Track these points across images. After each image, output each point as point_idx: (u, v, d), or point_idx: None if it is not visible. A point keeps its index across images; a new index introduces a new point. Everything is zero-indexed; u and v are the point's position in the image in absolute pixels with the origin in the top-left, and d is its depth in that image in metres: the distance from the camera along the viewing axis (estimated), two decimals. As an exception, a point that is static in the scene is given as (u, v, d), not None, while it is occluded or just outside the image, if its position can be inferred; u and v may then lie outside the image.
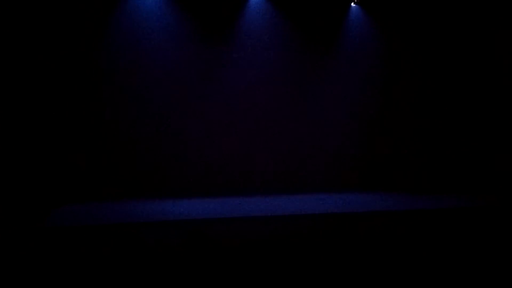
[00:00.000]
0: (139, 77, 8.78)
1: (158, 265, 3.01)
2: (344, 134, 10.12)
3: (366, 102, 10.25)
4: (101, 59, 8.50)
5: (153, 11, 8.89)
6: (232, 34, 9.43)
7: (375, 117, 10.28)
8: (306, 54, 9.90)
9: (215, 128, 9.33)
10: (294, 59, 9.85)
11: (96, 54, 8.45)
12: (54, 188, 7.80)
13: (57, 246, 4.77)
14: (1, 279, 3.19)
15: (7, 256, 4.04)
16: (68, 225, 5.94)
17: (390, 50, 10.33)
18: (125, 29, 8.67)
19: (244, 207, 7.39)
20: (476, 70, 10.06)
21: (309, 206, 7.56)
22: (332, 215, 6.87)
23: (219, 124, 9.35)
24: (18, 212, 6.52)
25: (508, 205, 7.71)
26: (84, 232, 5.51)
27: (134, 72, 8.72)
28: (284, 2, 9.65)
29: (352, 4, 10.22)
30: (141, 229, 5.22)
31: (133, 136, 8.74)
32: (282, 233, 5.49)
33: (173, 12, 9.03)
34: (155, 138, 8.88)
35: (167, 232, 5.44)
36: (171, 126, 8.99)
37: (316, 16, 9.87)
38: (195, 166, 9.12)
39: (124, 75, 8.67)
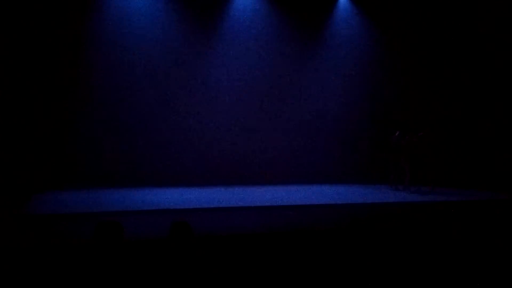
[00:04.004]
0: (124, 72, 8.65)
1: (139, 256, 2.92)
2: (333, 126, 10.18)
3: (355, 93, 10.32)
4: (85, 55, 8.34)
5: (139, 5, 8.70)
6: (221, 25, 9.33)
7: (365, 109, 10.37)
8: (295, 46, 9.88)
9: (201, 120, 9.24)
10: (283, 50, 9.82)
11: (80, 50, 8.29)
12: (35, 174, 7.56)
13: (33, 234, 4.60)
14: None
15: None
16: (45, 213, 5.75)
17: (378, 42, 10.39)
18: (109, 25, 8.52)
19: (228, 197, 7.32)
20: (462, 63, 10.15)
21: (294, 197, 7.55)
22: (318, 206, 6.87)
23: (204, 116, 9.27)
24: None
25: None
26: (61, 221, 5.33)
27: (119, 66, 8.61)
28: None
29: (341, -4, 10.21)
30: (121, 218, 5.09)
31: (116, 126, 8.59)
32: (265, 223, 5.45)
33: (160, 5, 8.86)
34: (137, 129, 8.73)
35: (148, 221, 5.32)
36: (156, 118, 8.86)
37: (305, 8, 9.84)
38: (180, 157, 9.01)
39: (110, 69, 8.54)
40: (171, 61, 8.97)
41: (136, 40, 8.70)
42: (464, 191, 8.74)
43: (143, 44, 8.75)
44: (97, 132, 8.42)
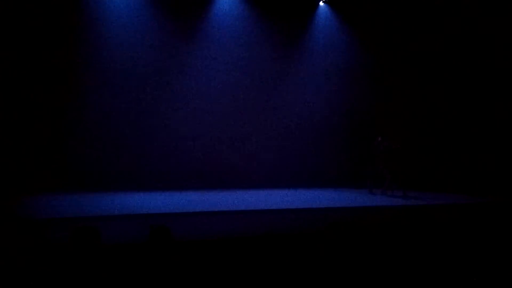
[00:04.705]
0: (107, 72, 8.57)
1: (117, 262, 2.88)
2: (316, 130, 10.30)
3: (337, 97, 10.48)
4: (69, 55, 8.23)
5: (120, 8, 8.64)
6: (202, 28, 9.32)
7: (343, 114, 10.53)
8: (276, 49, 9.98)
9: (182, 124, 9.20)
10: (264, 53, 9.88)
11: (63, 50, 8.17)
12: (9, 180, 7.35)
13: (9, 240, 4.47)
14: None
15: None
16: (22, 218, 5.58)
17: (357, 48, 10.59)
18: (93, 25, 8.44)
19: (211, 202, 7.29)
20: (443, 65, 10.38)
21: (276, 201, 7.58)
22: (300, 210, 6.91)
23: (186, 120, 9.23)
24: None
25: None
26: (38, 225, 5.20)
27: (101, 67, 8.53)
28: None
29: (321, 3, 10.36)
30: (99, 223, 5.00)
31: (95, 129, 8.46)
32: (247, 228, 5.46)
33: (143, 7, 8.79)
34: (118, 133, 8.63)
35: (127, 227, 5.25)
36: (137, 122, 8.78)
37: (286, 12, 9.94)
38: (160, 160, 8.93)
39: (92, 71, 8.46)
40: (150, 64, 8.90)
41: (115, 43, 8.59)
42: (441, 195, 8.97)
43: (122, 47, 8.65)
44: (75, 136, 8.26)
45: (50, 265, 2.94)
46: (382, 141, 8.96)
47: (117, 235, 4.62)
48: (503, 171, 9.10)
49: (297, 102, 10.20)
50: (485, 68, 9.62)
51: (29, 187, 7.32)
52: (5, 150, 7.37)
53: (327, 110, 10.40)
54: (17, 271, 3.25)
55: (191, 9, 9.24)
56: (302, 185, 9.66)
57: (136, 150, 8.78)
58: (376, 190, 8.99)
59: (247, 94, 9.77)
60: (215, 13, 9.44)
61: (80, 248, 2.55)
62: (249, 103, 9.80)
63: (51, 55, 8.01)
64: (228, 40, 9.57)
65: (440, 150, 10.29)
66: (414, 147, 9.71)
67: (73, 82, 8.27)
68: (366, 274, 3.45)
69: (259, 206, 7.00)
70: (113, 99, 8.62)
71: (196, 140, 9.29)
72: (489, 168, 9.37)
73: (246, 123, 9.76)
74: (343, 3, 10.46)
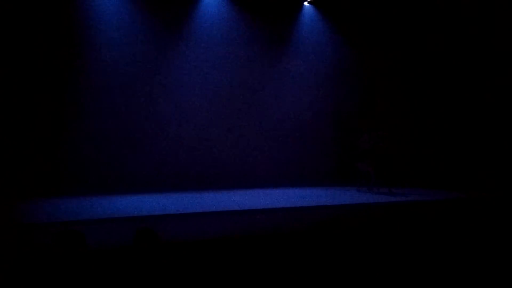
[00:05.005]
0: (91, 73, 8.43)
1: (102, 265, 2.85)
2: (301, 129, 10.34)
3: (318, 98, 10.54)
4: (54, 56, 8.05)
5: (106, 6, 8.55)
6: (190, 28, 9.29)
7: (329, 113, 10.61)
8: (261, 49, 9.99)
9: (166, 125, 9.13)
10: (249, 54, 9.89)
11: (49, 51, 7.99)
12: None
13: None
14: None
15: None
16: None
17: (343, 47, 10.70)
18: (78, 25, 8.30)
19: (197, 202, 7.27)
20: (427, 65, 10.55)
21: (263, 201, 7.59)
22: (287, 209, 6.94)
23: (169, 120, 9.16)
24: None
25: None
26: (16, 231, 5.10)
27: (87, 69, 8.38)
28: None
29: (305, 3, 10.43)
30: (83, 227, 4.94)
31: (77, 130, 8.32)
32: (233, 228, 5.46)
33: (126, 7, 8.71)
34: (101, 133, 8.53)
35: (112, 230, 5.19)
36: (120, 123, 8.69)
37: (270, 12, 9.97)
38: (144, 161, 8.84)
39: (77, 72, 8.30)
40: (134, 64, 8.79)
41: (99, 43, 8.48)
42: (427, 191, 9.12)
43: (108, 47, 8.53)
44: (56, 138, 8.12)
45: (33, 270, 2.89)
46: (368, 138, 9.06)
47: (104, 239, 4.57)
48: (490, 167, 9.30)
49: (285, 101, 10.23)
50: (469, 65, 9.83)
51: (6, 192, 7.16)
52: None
53: (315, 108, 10.45)
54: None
55: (177, 9, 9.17)
56: (291, 184, 9.70)
57: (122, 152, 8.66)
58: (364, 188, 9.09)
59: (234, 93, 9.74)
60: (201, 13, 9.40)
61: (63, 252, 2.51)
62: (237, 103, 9.78)
63: (42, 56, 7.89)
64: (215, 40, 9.53)
65: (426, 146, 10.46)
66: (401, 144, 9.84)
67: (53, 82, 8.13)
68: (353, 271, 3.48)
69: (247, 206, 7.00)
70: (95, 99, 8.47)
71: (184, 140, 9.23)
72: (476, 164, 9.58)
73: (234, 123, 9.74)
74: (328, 4, 10.53)
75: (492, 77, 9.51)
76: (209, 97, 9.48)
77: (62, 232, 2.60)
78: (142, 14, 8.85)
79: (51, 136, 8.06)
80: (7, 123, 7.58)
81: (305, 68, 10.41)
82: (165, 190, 8.40)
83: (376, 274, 3.54)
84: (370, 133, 9.12)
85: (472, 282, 3.46)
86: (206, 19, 9.44)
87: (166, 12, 9.03)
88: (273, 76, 10.16)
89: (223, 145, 9.56)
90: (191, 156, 9.26)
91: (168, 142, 9.08)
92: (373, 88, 10.87)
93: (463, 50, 9.88)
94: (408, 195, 8.56)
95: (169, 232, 4.64)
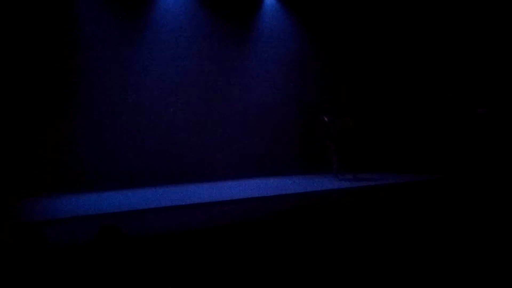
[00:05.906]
0: (77, 75, 8.32)
1: (64, 267, 2.82)
2: (267, 119, 10.43)
3: (286, 83, 10.67)
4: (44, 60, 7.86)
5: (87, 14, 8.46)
6: (149, 24, 9.15)
7: (294, 101, 10.76)
8: (224, 43, 9.99)
9: (132, 121, 9.00)
10: (213, 48, 9.85)
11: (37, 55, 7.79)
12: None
13: None
14: None
15: None
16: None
17: (305, 37, 10.85)
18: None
19: (161, 197, 7.22)
20: (389, 54, 10.89)
21: (230, 192, 7.64)
22: (252, 199, 7.02)
23: (135, 116, 9.04)
24: None
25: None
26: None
27: (74, 71, 8.27)
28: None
29: (267, -5, 10.48)
30: (43, 227, 4.81)
31: (49, 127, 8.07)
32: (201, 222, 5.49)
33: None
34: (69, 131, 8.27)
35: (74, 229, 5.09)
36: (86, 119, 8.49)
37: (232, 6, 9.97)
38: (111, 158, 8.66)
39: (64, 74, 8.18)
40: (100, 59, 8.58)
41: (66, 40, 8.26)
42: (391, 175, 9.48)
43: (75, 43, 8.34)
44: (34, 136, 7.86)
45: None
46: (332, 121, 9.21)
47: (66, 238, 4.47)
48: (451, 149, 9.79)
49: (251, 90, 10.29)
50: (430, 51, 10.21)
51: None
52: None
53: (280, 98, 10.55)
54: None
55: (136, 5, 9.03)
56: (259, 174, 9.80)
57: (84, 148, 8.44)
58: (340, 174, 9.24)
59: (199, 86, 9.69)
60: (160, 8, 9.28)
61: (25, 252, 2.47)
62: (203, 95, 9.73)
63: (38, 56, 7.78)
64: (176, 34, 9.43)
65: (392, 132, 10.83)
66: (366, 130, 10.16)
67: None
68: (318, 257, 3.60)
69: (214, 198, 7.03)
70: (61, 96, 8.26)
71: (149, 133, 9.11)
72: (438, 146, 10.06)
73: (199, 115, 9.69)
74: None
75: (451, 65, 9.98)
76: (170, 88, 9.40)
77: (23, 233, 2.55)
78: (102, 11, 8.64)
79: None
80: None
81: (268, 57, 10.51)
82: (132, 186, 8.28)
83: (342, 259, 3.66)
84: (335, 120, 9.32)
85: (439, 263, 3.59)
86: (165, 13, 9.37)
87: (124, 8, 8.86)
88: (238, 68, 10.18)
89: (187, 136, 9.49)
90: (156, 149, 9.14)
91: (127, 133, 8.93)
92: (338, 76, 11.08)
93: (425, 36, 10.26)
94: (373, 179, 8.88)
95: (135, 228, 4.61)
